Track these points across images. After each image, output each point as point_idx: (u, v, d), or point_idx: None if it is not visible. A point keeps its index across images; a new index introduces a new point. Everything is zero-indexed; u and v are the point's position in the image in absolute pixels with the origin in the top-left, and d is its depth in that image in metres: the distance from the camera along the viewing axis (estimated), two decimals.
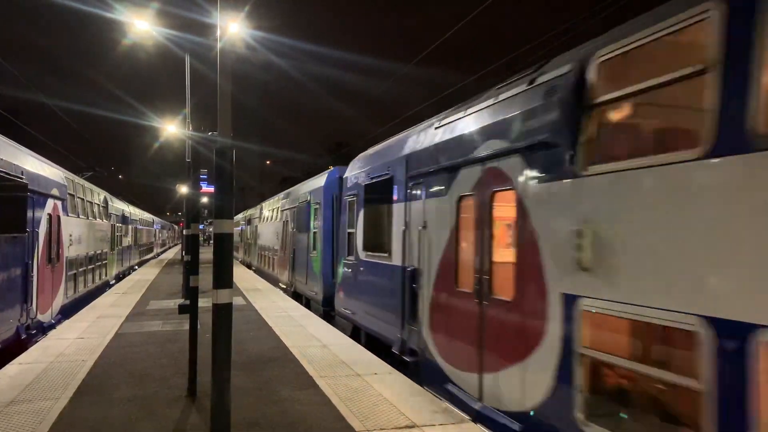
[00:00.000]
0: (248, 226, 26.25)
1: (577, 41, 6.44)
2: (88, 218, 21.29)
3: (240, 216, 46.89)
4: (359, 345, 11.23)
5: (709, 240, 4.07)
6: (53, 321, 15.45)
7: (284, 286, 23.50)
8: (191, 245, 9.61)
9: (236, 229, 35.64)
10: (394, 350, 9.82)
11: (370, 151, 13.16)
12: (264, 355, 10.41)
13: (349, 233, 13.24)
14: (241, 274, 29.07)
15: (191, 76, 19.53)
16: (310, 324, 13.82)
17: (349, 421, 6.81)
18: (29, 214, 13.05)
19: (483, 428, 6.59)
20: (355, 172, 13.13)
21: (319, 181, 18.54)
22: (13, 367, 9.38)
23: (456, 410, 7.17)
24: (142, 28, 18.80)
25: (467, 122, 7.92)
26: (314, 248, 18.29)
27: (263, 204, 34.38)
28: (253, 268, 34.66)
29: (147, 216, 53.95)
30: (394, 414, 7.05)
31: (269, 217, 29.88)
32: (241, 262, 41.19)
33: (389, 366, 9.47)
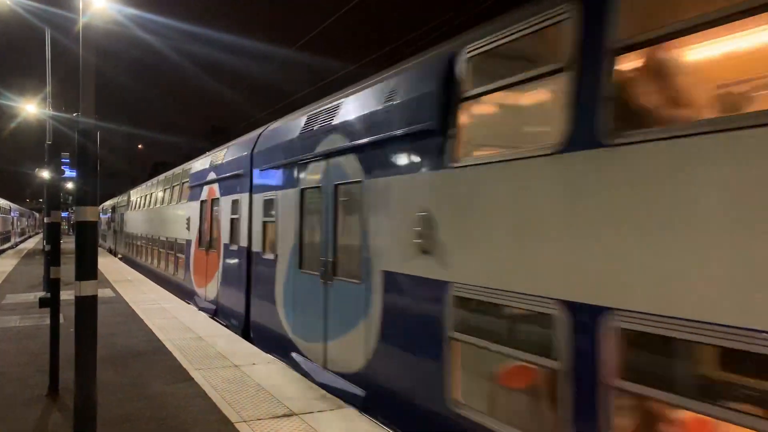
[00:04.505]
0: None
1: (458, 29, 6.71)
2: None
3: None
4: (237, 335, 11.05)
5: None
6: None
7: None
8: (52, 234, 8.97)
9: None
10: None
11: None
12: (134, 348, 9.94)
13: None
14: (110, 265, 27.52)
15: (54, 51, 18.14)
16: (185, 316, 13.36)
17: (225, 412, 6.68)
18: None
19: (357, 412, 6.71)
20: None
21: None
22: None
23: (333, 397, 7.25)
24: None
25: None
26: None
27: None
28: None
29: (3, 203, 49.63)
30: (272, 403, 7.00)
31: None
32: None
33: (269, 356, 9.39)
